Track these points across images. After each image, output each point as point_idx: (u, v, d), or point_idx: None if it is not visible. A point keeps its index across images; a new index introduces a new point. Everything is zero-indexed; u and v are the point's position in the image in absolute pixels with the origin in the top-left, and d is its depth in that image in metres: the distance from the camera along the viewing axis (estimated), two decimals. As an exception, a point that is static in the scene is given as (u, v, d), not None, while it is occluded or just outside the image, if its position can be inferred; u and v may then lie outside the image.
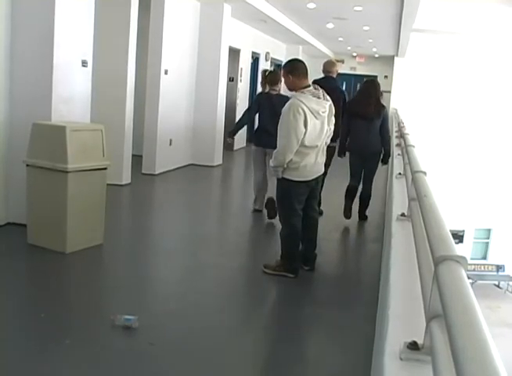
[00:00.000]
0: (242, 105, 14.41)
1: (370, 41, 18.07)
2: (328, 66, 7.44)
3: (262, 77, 7.65)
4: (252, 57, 15.27)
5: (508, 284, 21.84)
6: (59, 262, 5.07)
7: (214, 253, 6.01)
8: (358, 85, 24.36)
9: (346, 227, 7.77)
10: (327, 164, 6.09)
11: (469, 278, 1.57)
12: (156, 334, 3.78)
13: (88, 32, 6.20)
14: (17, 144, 5.58)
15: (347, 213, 7.38)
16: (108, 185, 5.65)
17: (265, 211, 7.39)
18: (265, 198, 7.36)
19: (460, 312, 1.32)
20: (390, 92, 22.68)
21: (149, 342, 3.61)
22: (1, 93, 5.59)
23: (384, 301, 2.79)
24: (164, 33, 9.23)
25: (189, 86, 10.74)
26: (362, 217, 7.57)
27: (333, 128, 5.15)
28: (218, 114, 11.10)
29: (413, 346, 1.75)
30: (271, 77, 7.32)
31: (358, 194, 7.55)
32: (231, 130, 7.80)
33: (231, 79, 13.50)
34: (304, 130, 4.70)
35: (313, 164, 4.91)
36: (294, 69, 4.95)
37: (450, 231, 2.07)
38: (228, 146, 11.81)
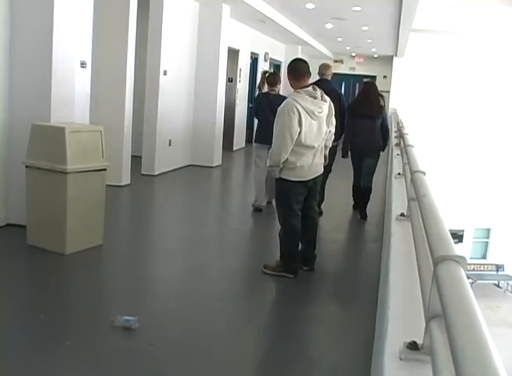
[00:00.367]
0: (241, 105, 14.44)
1: (369, 41, 18.06)
2: (323, 69, 7.68)
3: (262, 78, 7.97)
4: (251, 58, 15.27)
5: (508, 284, 21.84)
6: (59, 263, 5.07)
7: (213, 253, 6.01)
8: (358, 85, 24.46)
9: (346, 227, 7.78)
10: (329, 164, 6.48)
11: (468, 278, 1.57)
12: (156, 334, 3.78)
13: (87, 33, 6.20)
14: (16, 145, 5.58)
15: (357, 207, 8.10)
16: (107, 186, 5.65)
17: (265, 211, 7.40)
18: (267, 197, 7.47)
19: (460, 312, 1.32)
20: (389, 92, 22.67)
21: (149, 343, 3.61)
22: (0, 95, 5.59)
23: (383, 301, 2.79)
24: (162, 33, 9.23)
25: (188, 87, 10.74)
26: (363, 216, 7.79)
27: (333, 130, 5.16)
28: (217, 115, 11.11)
29: (413, 346, 1.75)
30: (270, 78, 7.73)
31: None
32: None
33: (230, 80, 13.50)
34: (298, 129, 4.72)
35: (310, 165, 4.91)
36: (293, 69, 4.98)
37: (449, 231, 2.07)
38: (227, 147, 11.83)
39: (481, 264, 22.37)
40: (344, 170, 9.51)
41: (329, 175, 7.41)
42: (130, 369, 3.33)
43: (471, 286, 1.47)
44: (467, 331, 1.21)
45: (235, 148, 14.07)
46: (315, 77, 7.54)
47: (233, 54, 13.16)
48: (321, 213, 7.10)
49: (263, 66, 16.37)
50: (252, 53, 15.21)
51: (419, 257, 2.43)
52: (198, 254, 5.90)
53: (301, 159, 4.83)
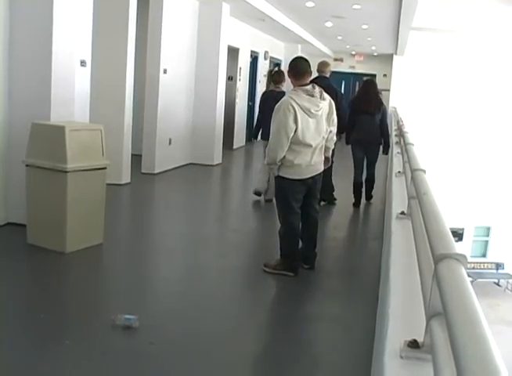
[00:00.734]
0: (241, 104, 14.44)
1: (369, 39, 18.05)
2: (321, 66, 8.02)
3: (268, 77, 8.41)
4: (251, 56, 15.27)
5: (507, 282, 21.82)
6: (59, 262, 5.07)
7: (214, 252, 6.01)
8: (358, 84, 24.44)
9: (346, 225, 7.79)
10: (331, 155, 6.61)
11: (468, 276, 1.57)
12: (156, 333, 3.78)
13: (87, 32, 6.19)
14: (16, 144, 5.58)
15: (357, 204, 8.39)
16: (107, 184, 5.65)
17: (265, 209, 7.39)
18: None
19: (461, 310, 1.32)
20: (389, 90, 22.67)
21: (149, 342, 3.61)
22: (0, 94, 5.58)
23: (384, 299, 2.79)
24: (162, 32, 9.23)
25: (188, 85, 10.74)
26: (369, 198, 8.61)
27: (335, 130, 5.14)
28: (218, 113, 11.10)
29: (414, 344, 1.75)
30: (275, 77, 8.26)
31: (364, 180, 8.52)
32: (253, 132, 8.92)
33: (230, 78, 13.49)
34: (294, 127, 4.72)
35: (308, 164, 4.90)
36: (293, 67, 5.00)
37: (450, 229, 2.07)
38: (228, 145, 11.85)
39: (481, 262, 22.34)
40: (344, 169, 9.53)
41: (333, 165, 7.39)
42: (130, 368, 3.33)
43: (471, 284, 1.47)
44: (468, 329, 1.21)
45: (235, 146, 14.07)
46: (314, 74, 7.79)
47: (233, 52, 13.15)
48: (335, 199, 8.24)
49: (263, 64, 16.38)
50: (252, 52, 15.21)
51: (419, 255, 2.43)
52: (198, 253, 5.90)
53: (298, 157, 4.83)
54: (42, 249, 5.20)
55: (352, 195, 8.39)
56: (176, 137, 10.27)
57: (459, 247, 1.77)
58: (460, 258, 1.65)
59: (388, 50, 21.28)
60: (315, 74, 7.16)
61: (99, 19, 6.66)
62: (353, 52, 24.73)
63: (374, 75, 24.29)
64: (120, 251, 5.86)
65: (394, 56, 22.29)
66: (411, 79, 21.38)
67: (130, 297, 4.52)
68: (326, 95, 4.95)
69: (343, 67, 25.00)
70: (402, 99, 20.95)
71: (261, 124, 8.27)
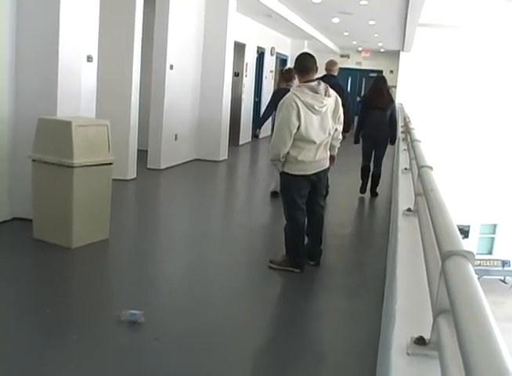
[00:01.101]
0: (247, 100, 14.42)
1: (376, 35, 18.01)
2: (329, 65, 8.34)
3: (280, 75, 8.59)
4: (257, 52, 15.24)
5: (514, 279, 21.80)
6: (65, 257, 5.09)
7: (219, 248, 6.01)
8: (364, 80, 24.43)
9: (352, 222, 7.78)
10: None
11: (475, 273, 1.56)
12: (161, 329, 3.78)
13: (93, 27, 6.20)
14: (23, 139, 5.59)
15: (363, 189, 8.81)
16: (113, 180, 5.66)
17: (272, 205, 7.38)
18: None
19: (468, 308, 1.32)
20: (395, 86, 22.60)
21: (154, 337, 3.61)
22: (6, 89, 5.60)
23: (390, 296, 2.79)
24: (169, 28, 9.21)
25: (195, 81, 10.73)
26: (374, 194, 8.81)
27: (340, 128, 5.12)
28: (224, 109, 11.10)
29: (420, 341, 1.74)
30: (285, 74, 8.44)
31: (370, 174, 8.84)
32: (258, 123, 9.17)
33: (236, 74, 13.48)
34: (297, 123, 4.70)
35: (312, 160, 4.89)
36: (297, 64, 5.00)
37: (456, 226, 2.07)
38: (234, 141, 11.86)
39: (487, 259, 22.30)
40: (347, 166, 9.54)
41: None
42: (135, 363, 3.33)
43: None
44: (476, 326, 1.21)
45: (241, 142, 14.06)
46: (323, 71, 8.02)
47: (240, 48, 13.14)
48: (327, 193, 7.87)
49: (269, 60, 16.36)
50: (258, 47, 15.18)
51: (426, 252, 2.42)
52: (204, 249, 5.90)
53: (302, 153, 4.82)
54: (48, 244, 5.21)
55: (360, 179, 8.84)
56: (182, 133, 10.27)
57: (465, 245, 1.76)
58: (468, 255, 1.65)
59: (395, 46, 21.23)
60: (322, 72, 7.68)
61: (106, 15, 6.66)
62: (360, 49, 24.68)
63: (381, 71, 24.21)
64: (125, 246, 5.86)
65: (401, 52, 22.24)
66: (418, 75, 21.34)
67: (135, 292, 4.53)
68: (331, 91, 4.92)
69: (349, 64, 24.96)
70: (409, 96, 20.90)
71: (266, 119, 8.56)
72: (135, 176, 8.56)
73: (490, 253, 22.96)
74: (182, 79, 9.99)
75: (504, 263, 22.42)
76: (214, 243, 6.22)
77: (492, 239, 23.15)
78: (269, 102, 8.62)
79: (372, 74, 21.97)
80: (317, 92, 4.79)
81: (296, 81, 8.06)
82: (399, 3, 11.08)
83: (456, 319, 1.32)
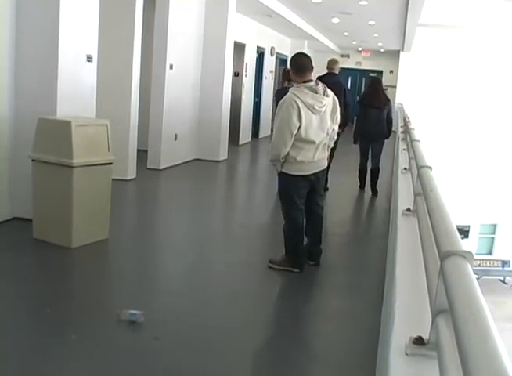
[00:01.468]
0: (247, 100, 14.42)
1: (376, 35, 18.00)
2: (331, 63, 8.63)
3: (282, 75, 9.11)
4: (257, 52, 15.24)
5: (513, 280, 21.80)
6: (65, 257, 5.09)
7: (219, 248, 6.01)
8: (364, 80, 24.41)
9: (352, 222, 7.78)
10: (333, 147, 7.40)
11: (474, 273, 1.57)
12: (161, 328, 3.79)
13: (93, 27, 6.20)
14: (23, 139, 5.59)
15: (362, 185, 9.25)
16: (113, 180, 5.66)
17: (272, 206, 7.38)
18: None
19: (466, 308, 1.32)
20: (395, 86, 22.61)
21: (154, 337, 3.61)
22: (6, 88, 5.60)
23: (389, 296, 2.79)
24: (169, 27, 9.21)
25: (195, 81, 10.73)
26: (374, 192, 9.01)
27: (336, 128, 5.13)
28: (224, 109, 11.09)
29: (419, 341, 1.74)
30: (288, 74, 8.34)
31: (368, 172, 9.18)
32: None
33: (236, 74, 13.48)
34: (297, 123, 4.70)
35: (311, 160, 4.89)
36: (293, 64, 4.98)
37: (455, 226, 2.07)
38: (233, 141, 11.89)
39: (486, 260, 22.29)
40: (347, 166, 9.55)
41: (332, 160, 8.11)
42: (135, 363, 3.34)
43: (477, 281, 1.47)
44: (474, 326, 1.21)
45: (241, 142, 14.06)
46: (323, 71, 8.24)
47: (239, 48, 13.14)
48: (327, 189, 8.34)
49: (269, 60, 16.35)
50: (258, 47, 15.18)
51: (425, 252, 2.42)
52: (204, 249, 5.90)
53: (300, 153, 4.81)
54: (48, 244, 5.21)
55: (358, 180, 9.27)
56: (182, 133, 10.27)
57: (465, 245, 1.76)
58: (466, 255, 1.65)
59: (395, 46, 21.23)
60: (324, 71, 8.41)
61: (106, 15, 6.65)
62: (360, 48, 24.67)
63: (381, 71, 24.29)
64: (125, 246, 5.87)
65: (401, 52, 22.22)
66: (418, 75, 21.33)
67: (135, 292, 4.53)
68: (329, 91, 4.93)
69: (349, 63, 24.95)
70: (409, 96, 20.90)
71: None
72: (134, 176, 8.56)
73: (490, 253, 22.96)
74: (181, 79, 9.99)
75: (504, 263, 22.42)
76: (214, 243, 6.22)
77: (492, 239, 23.15)
78: (274, 102, 8.86)
79: (372, 74, 21.98)
80: (316, 92, 4.79)
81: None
82: (399, 3, 11.08)
83: (454, 319, 1.32)
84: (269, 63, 16.49)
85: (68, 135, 5.03)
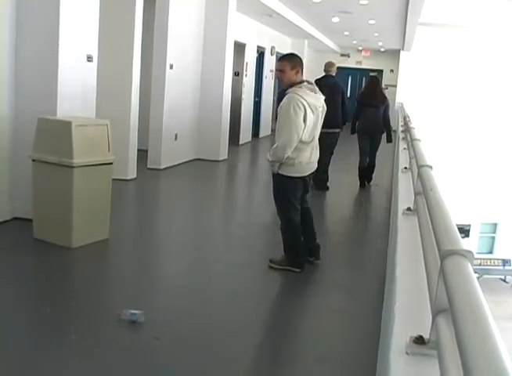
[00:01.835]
0: (247, 99, 14.41)
1: (376, 35, 18.00)
2: (328, 66, 9.03)
3: None
4: (257, 52, 15.23)
5: (514, 279, 21.79)
6: (65, 257, 5.09)
7: (219, 248, 6.01)
8: (364, 79, 24.38)
9: (352, 221, 7.78)
10: (331, 148, 8.63)
11: (475, 272, 1.56)
12: (161, 328, 3.79)
13: (93, 27, 6.19)
14: (23, 139, 5.59)
15: (362, 185, 9.49)
16: (113, 180, 5.66)
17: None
18: None
19: (467, 307, 1.32)
20: (396, 86, 22.60)
21: (154, 337, 3.61)
22: (6, 88, 5.60)
23: (389, 295, 2.79)
24: (169, 27, 9.21)
25: (195, 81, 10.73)
26: (369, 180, 9.55)
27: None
28: (224, 109, 11.09)
29: (419, 341, 1.74)
30: None
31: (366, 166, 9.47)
32: None
33: (236, 74, 13.47)
34: (303, 125, 4.69)
35: (308, 161, 4.90)
36: (298, 64, 4.89)
37: (456, 225, 2.06)
38: (234, 141, 11.89)
39: (487, 259, 22.29)
40: (347, 166, 9.56)
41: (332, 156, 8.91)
42: (135, 362, 3.34)
43: (478, 281, 1.46)
44: (474, 326, 1.21)
45: (241, 142, 14.05)
46: (318, 71, 8.53)
47: (240, 48, 13.14)
48: (327, 188, 8.84)
49: (269, 60, 16.35)
50: (258, 47, 15.17)
51: (425, 251, 2.42)
52: (204, 249, 5.90)
53: (300, 155, 4.80)
54: (48, 244, 5.21)
55: (358, 178, 9.47)
56: (182, 132, 10.27)
57: (465, 244, 1.76)
58: (467, 255, 1.65)
59: (395, 45, 21.22)
60: (318, 71, 8.96)
61: (106, 15, 6.65)
62: (360, 48, 24.66)
63: (381, 71, 24.25)
64: (125, 246, 5.87)
65: (402, 51, 22.22)
66: (418, 75, 21.33)
67: (135, 292, 4.53)
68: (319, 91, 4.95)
69: (350, 63, 24.94)
70: (409, 95, 20.90)
71: None
72: (135, 176, 8.56)
73: (491, 252, 22.95)
74: (181, 79, 9.99)
75: (505, 262, 22.41)
76: (215, 242, 6.21)
77: (493, 238, 23.13)
78: (276, 101, 9.00)
79: (372, 74, 21.97)
80: (316, 92, 4.80)
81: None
82: (399, 2, 11.08)
83: (454, 318, 1.32)
84: (269, 63, 16.48)
85: (68, 135, 5.02)
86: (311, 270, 5.13)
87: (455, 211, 2.47)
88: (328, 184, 8.94)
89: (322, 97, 4.92)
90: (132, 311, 3.77)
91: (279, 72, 4.86)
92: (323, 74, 8.95)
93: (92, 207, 5.34)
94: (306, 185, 5.07)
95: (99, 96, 6.48)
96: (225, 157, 11.45)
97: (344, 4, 11.85)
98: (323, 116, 5.04)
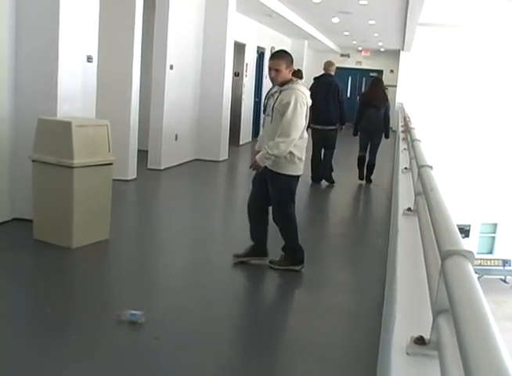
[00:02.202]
0: (247, 100, 14.41)
1: (376, 35, 18.00)
2: (327, 65, 9.35)
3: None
4: (257, 52, 15.23)
5: (514, 279, 21.78)
6: (65, 258, 5.08)
7: (220, 248, 6.01)
8: (364, 79, 24.41)
9: (352, 221, 7.77)
10: (333, 143, 9.22)
11: (475, 273, 1.56)
12: (161, 329, 3.78)
13: (93, 27, 6.19)
14: (23, 139, 5.59)
15: (361, 176, 9.77)
16: (113, 180, 5.65)
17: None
18: None
19: (467, 307, 1.32)
20: (395, 86, 22.60)
21: (154, 337, 3.61)
22: (6, 89, 5.60)
23: (390, 295, 2.79)
24: (169, 28, 9.21)
25: (195, 81, 10.73)
26: (369, 181, 9.74)
27: None
28: (224, 109, 11.09)
29: (420, 341, 1.74)
30: (297, 74, 8.48)
31: (366, 163, 9.79)
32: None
33: (236, 74, 13.47)
34: (304, 123, 4.72)
35: (303, 157, 4.93)
36: (291, 62, 4.83)
37: (456, 226, 2.06)
38: (234, 141, 11.89)
39: (487, 259, 22.28)
40: (348, 166, 9.55)
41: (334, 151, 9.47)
42: (135, 363, 3.33)
43: (478, 281, 1.46)
44: (475, 326, 1.20)
45: (241, 142, 14.05)
46: (318, 71, 8.69)
47: (239, 48, 13.14)
48: (333, 182, 9.33)
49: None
50: (258, 47, 15.17)
51: (426, 251, 2.42)
52: (204, 249, 5.90)
53: (302, 152, 4.84)
54: (48, 245, 5.21)
55: (358, 171, 9.81)
56: (182, 133, 10.27)
57: (465, 244, 1.76)
58: (467, 255, 1.65)
59: (395, 46, 21.23)
60: (319, 71, 9.12)
61: (106, 15, 6.65)
62: (360, 48, 24.67)
63: (381, 71, 24.27)
64: (126, 246, 5.86)
65: (401, 51, 22.23)
66: (418, 75, 21.33)
67: (136, 292, 4.53)
68: None
69: (349, 63, 24.95)
70: (409, 95, 20.90)
71: None
72: (135, 176, 8.56)
73: (491, 252, 22.95)
74: (181, 79, 9.99)
75: (505, 263, 22.41)
76: (215, 243, 6.21)
77: (493, 238, 23.14)
78: None
79: (372, 74, 21.98)
80: (307, 88, 4.83)
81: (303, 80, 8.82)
82: (399, 2, 11.08)
83: (455, 318, 1.32)
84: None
85: (68, 136, 5.02)
86: (311, 270, 5.13)
87: (455, 212, 2.46)
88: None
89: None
90: (132, 311, 3.76)
91: (275, 71, 4.74)
92: (322, 72, 9.32)
93: (92, 208, 5.34)
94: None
95: (99, 97, 6.48)
96: (226, 157, 11.44)
97: (344, 4, 11.85)
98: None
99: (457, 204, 16.09)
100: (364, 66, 25.39)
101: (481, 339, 1.14)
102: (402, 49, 21.67)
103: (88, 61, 6.15)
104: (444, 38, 20.69)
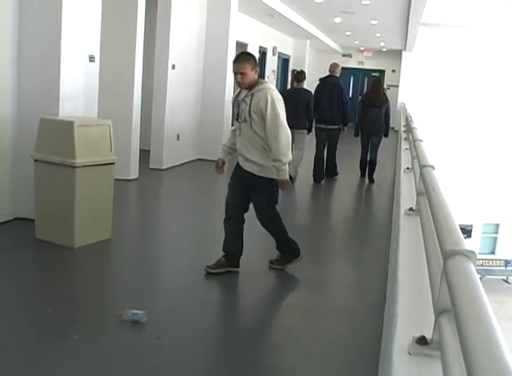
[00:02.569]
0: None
1: (378, 35, 18.00)
2: (333, 67, 9.66)
3: (292, 76, 9.92)
4: (259, 52, 15.23)
5: (516, 279, 21.77)
6: (67, 257, 5.09)
7: (221, 248, 6.00)
8: (366, 80, 24.41)
9: (354, 221, 7.77)
10: (335, 142, 9.57)
11: (477, 273, 1.56)
12: (163, 328, 3.78)
13: (95, 27, 6.20)
14: (25, 139, 5.59)
15: (363, 174, 10.11)
16: (115, 180, 5.66)
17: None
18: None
19: (470, 307, 1.32)
20: (397, 86, 22.59)
21: (156, 337, 3.61)
22: (9, 89, 5.60)
23: (392, 295, 2.79)
24: (171, 27, 9.21)
25: (197, 81, 10.73)
26: (371, 180, 9.92)
27: None
28: (226, 109, 11.07)
29: (422, 341, 1.74)
30: (298, 76, 9.26)
31: (368, 161, 10.07)
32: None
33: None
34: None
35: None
36: (256, 63, 4.72)
37: (458, 226, 2.06)
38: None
39: (489, 259, 22.26)
40: (350, 166, 9.54)
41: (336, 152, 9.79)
42: (136, 362, 3.33)
43: (480, 281, 1.46)
44: (477, 326, 1.20)
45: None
46: (320, 72, 8.78)
47: (242, 48, 13.11)
48: (337, 174, 9.82)
49: (271, 60, 16.35)
50: (260, 47, 15.17)
51: (428, 251, 2.42)
52: (206, 249, 5.90)
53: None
54: (50, 244, 5.21)
55: (359, 170, 10.14)
56: (184, 132, 10.27)
57: (467, 244, 1.76)
58: (469, 255, 1.65)
59: (397, 46, 21.23)
60: (320, 71, 8.94)
61: (108, 15, 6.66)
62: (362, 48, 24.67)
63: (383, 71, 24.26)
64: (127, 246, 5.87)
65: (403, 51, 22.21)
66: (420, 75, 21.31)
67: (137, 292, 4.53)
68: None
69: (351, 63, 24.94)
70: (411, 95, 20.89)
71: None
72: (137, 176, 8.56)
73: (493, 253, 22.93)
74: (183, 79, 9.99)
75: (507, 263, 22.39)
76: (216, 242, 6.19)
77: (495, 238, 23.11)
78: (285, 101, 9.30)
79: (374, 74, 21.97)
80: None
81: (305, 82, 9.30)
82: (401, 3, 11.08)
83: (457, 318, 1.32)
84: (271, 63, 16.48)
85: (70, 136, 5.03)
86: (313, 270, 5.13)
87: (457, 212, 2.46)
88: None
89: None
90: (134, 311, 3.76)
91: (241, 75, 4.56)
92: (327, 73, 9.56)
93: (94, 208, 5.34)
94: None
95: (101, 96, 6.49)
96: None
97: (346, 4, 11.85)
98: None
99: (459, 204, 16.07)
100: (366, 66, 25.39)
101: (484, 339, 1.14)
102: (404, 49, 21.66)
103: (90, 61, 6.16)
104: (446, 38, 20.67)
